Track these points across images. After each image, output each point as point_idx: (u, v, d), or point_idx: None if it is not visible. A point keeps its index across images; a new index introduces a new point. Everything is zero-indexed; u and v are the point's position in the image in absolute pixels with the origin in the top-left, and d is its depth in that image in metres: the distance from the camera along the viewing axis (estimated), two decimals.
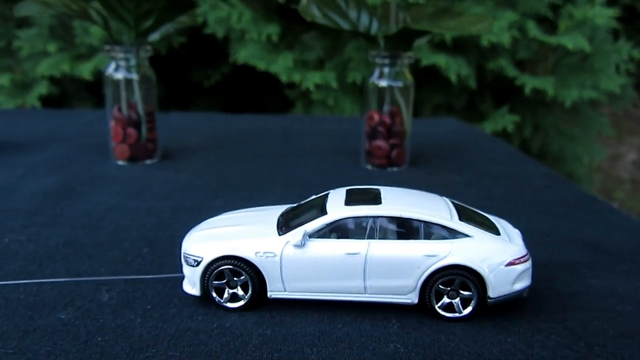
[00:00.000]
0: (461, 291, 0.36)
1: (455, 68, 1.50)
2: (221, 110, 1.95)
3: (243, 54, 1.60)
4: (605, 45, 1.66)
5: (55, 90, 1.71)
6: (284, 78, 1.60)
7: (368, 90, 0.72)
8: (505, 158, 0.78)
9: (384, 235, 0.36)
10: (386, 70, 0.71)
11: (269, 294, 0.37)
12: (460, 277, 0.36)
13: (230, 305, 0.37)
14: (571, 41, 1.53)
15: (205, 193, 0.61)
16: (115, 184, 0.64)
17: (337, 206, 0.38)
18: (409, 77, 0.71)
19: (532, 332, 0.35)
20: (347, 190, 0.40)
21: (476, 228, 0.37)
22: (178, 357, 0.32)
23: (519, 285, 0.37)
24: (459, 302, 0.36)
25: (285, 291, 0.37)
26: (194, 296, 0.38)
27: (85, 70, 1.61)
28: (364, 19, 0.71)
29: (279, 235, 0.37)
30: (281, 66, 1.58)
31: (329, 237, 0.36)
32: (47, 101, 1.67)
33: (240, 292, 0.37)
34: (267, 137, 0.89)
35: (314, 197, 0.42)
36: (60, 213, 0.54)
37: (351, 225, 0.37)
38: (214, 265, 0.37)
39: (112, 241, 0.48)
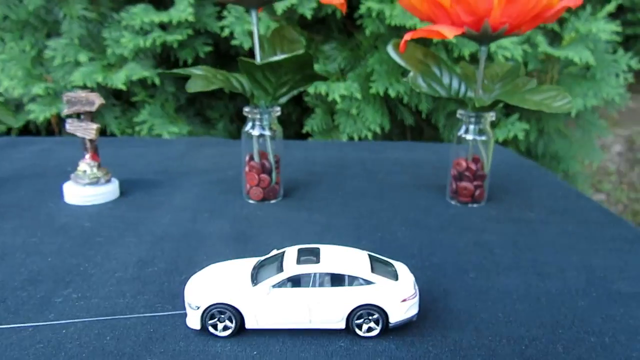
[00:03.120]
0: (372, 320, 0.58)
1: None
2: (238, 114, 2.14)
3: None
4: (606, 56, 1.92)
5: None
6: (311, 89, 1.81)
7: (456, 141, 0.96)
8: (561, 192, 1.03)
9: (322, 284, 0.57)
10: (471, 127, 0.94)
11: (246, 326, 0.58)
12: (371, 310, 0.57)
13: (221, 334, 0.58)
14: (577, 55, 1.79)
15: (349, 235, 0.84)
16: (270, 226, 0.86)
17: (291, 264, 0.58)
18: (490, 131, 0.95)
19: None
20: (298, 250, 0.61)
21: (382, 277, 0.58)
22: None
23: (409, 314, 0.58)
24: (367, 327, 0.58)
25: (257, 324, 0.58)
26: (195, 330, 0.59)
27: (118, 80, 1.78)
28: (455, 84, 0.95)
29: (253, 286, 0.58)
30: None
31: (286, 286, 0.57)
32: None
33: (227, 325, 0.58)
34: (352, 170, 1.12)
35: (274, 252, 0.63)
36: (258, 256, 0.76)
37: (301, 277, 0.57)
38: (209, 308, 0.58)
39: None
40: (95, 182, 0.94)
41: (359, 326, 0.59)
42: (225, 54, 2.02)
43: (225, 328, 0.59)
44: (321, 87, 1.77)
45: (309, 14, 1.74)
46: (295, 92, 0.95)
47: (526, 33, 1.70)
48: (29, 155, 1.20)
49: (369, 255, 0.63)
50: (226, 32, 1.78)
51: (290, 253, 0.62)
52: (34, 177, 1.08)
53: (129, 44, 1.76)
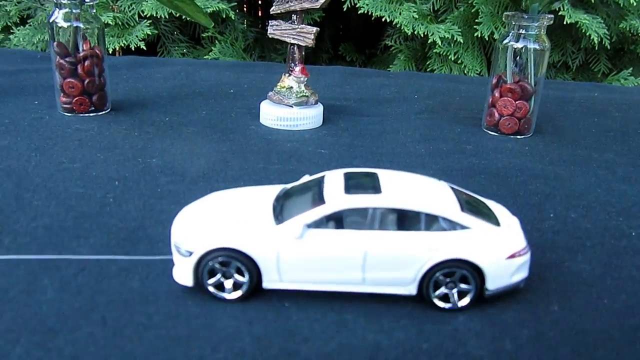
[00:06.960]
0: (460, 284, 0.37)
1: (594, 27, 1.55)
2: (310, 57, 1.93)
3: (365, 4, 1.59)
4: None
5: (153, 30, 1.65)
6: (407, 30, 1.60)
7: None
8: None
9: (384, 225, 0.36)
10: None
11: (263, 284, 0.37)
12: (459, 269, 0.37)
13: (228, 296, 0.37)
14: None
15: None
16: (564, 163, 0.66)
17: (336, 195, 0.37)
18: None
19: None
20: (345, 175, 0.40)
21: (478, 219, 0.37)
22: None
23: (517, 278, 0.38)
24: (456, 294, 0.37)
25: (281, 281, 0.37)
26: (186, 287, 0.38)
27: None
28: None
29: (276, 224, 0.37)
30: (405, 18, 1.58)
31: (327, 227, 0.37)
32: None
33: (237, 281, 0.37)
34: (573, 107, 0.91)
35: (308, 178, 0.42)
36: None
37: (350, 214, 0.37)
38: (207, 257, 0.36)
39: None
40: (304, 102, 0.71)
41: (441, 295, 0.37)
42: None
43: (236, 286, 0.36)
44: (419, 29, 1.57)
45: None
46: None
47: None
48: (171, 75, 0.95)
49: (453, 188, 0.40)
50: None
51: (333, 179, 0.39)
52: (198, 96, 0.84)
53: None
